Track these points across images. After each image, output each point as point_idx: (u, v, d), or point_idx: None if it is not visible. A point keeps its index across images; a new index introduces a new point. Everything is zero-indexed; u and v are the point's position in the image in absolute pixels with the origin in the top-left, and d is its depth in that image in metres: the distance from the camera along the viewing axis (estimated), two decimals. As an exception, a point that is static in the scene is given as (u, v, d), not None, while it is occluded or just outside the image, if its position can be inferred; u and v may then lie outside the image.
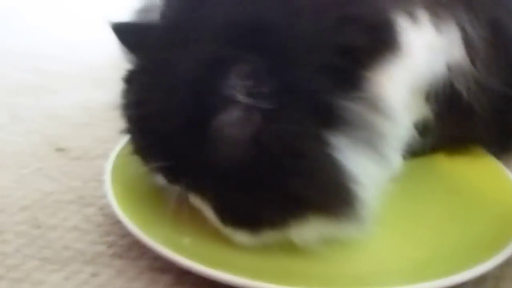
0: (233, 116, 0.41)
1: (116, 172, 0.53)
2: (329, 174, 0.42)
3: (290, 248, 0.46)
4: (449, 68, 0.53)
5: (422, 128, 0.58)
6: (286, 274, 0.44)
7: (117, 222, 0.48)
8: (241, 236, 0.45)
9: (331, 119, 0.43)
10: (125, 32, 0.49)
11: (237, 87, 0.40)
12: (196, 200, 0.46)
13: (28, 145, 0.66)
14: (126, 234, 0.49)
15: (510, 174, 0.56)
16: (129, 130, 0.48)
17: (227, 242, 0.46)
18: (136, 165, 0.49)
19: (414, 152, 0.59)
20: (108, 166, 0.54)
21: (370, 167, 0.46)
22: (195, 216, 0.48)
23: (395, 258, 0.47)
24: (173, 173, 0.45)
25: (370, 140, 0.46)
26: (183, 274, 0.45)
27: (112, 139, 0.61)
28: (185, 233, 0.47)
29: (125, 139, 0.57)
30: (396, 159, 0.56)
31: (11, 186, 0.58)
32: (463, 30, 0.52)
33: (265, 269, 0.44)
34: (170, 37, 0.46)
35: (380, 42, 0.48)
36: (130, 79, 0.48)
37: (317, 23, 0.44)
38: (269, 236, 0.44)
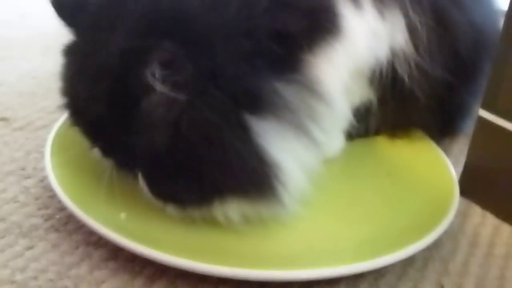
0: (154, 103, 0.42)
1: (57, 144, 0.53)
2: (245, 161, 0.43)
3: (227, 228, 0.46)
4: (393, 53, 0.53)
5: (365, 111, 0.59)
6: (220, 254, 0.44)
7: (55, 195, 0.48)
8: (170, 210, 0.46)
9: (255, 104, 0.43)
10: (63, 6, 0.48)
11: (156, 75, 0.40)
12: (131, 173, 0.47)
13: (-31, 114, 0.64)
14: (63, 207, 0.49)
15: (446, 159, 0.57)
16: (65, 106, 0.48)
17: (162, 218, 0.46)
18: (77, 138, 0.48)
19: (357, 134, 0.60)
20: (50, 138, 0.53)
21: (298, 151, 0.46)
22: (132, 191, 0.47)
23: (329, 238, 0.47)
24: (105, 150, 0.46)
25: (301, 124, 0.46)
26: (117, 249, 0.45)
27: (56, 110, 0.59)
28: (122, 208, 0.47)
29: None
30: (337, 141, 0.57)
31: (-50, 155, 0.57)
32: (406, 17, 0.52)
33: (198, 248, 0.44)
34: (100, 18, 0.45)
35: (319, 26, 0.48)
36: (67, 54, 0.48)
37: (245, 10, 0.44)
38: (195, 212, 0.45)
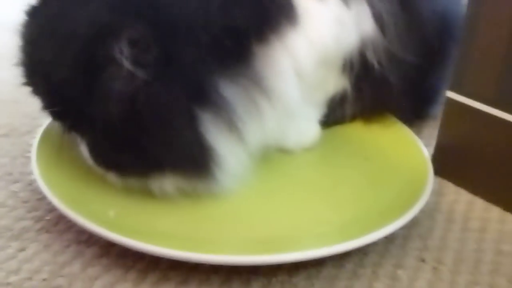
0: (115, 75, 0.42)
1: (43, 148, 0.52)
2: (186, 142, 0.45)
3: (215, 218, 0.47)
4: (362, 41, 0.54)
5: (341, 99, 0.59)
6: (210, 243, 0.43)
7: (44, 198, 0.47)
8: (110, 177, 0.48)
9: (199, 97, 0.44)
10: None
11: (123, 51, 0.41)
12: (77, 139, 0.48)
13: (-47, 123, 0.63)
14: (52, 209, 0.48)
15: (420, 142, 0.58)
16: (23, 65, 0.47)
17: (151, 213, 0.46)
18: (61, 141, 0.49)
19: (334, 121, 0.60)
20: (35, 142, 0.53)
21: (231, 143, 0.47)
22: (119, 189, 0.48)
23: (314, 221, 0.48)
24: (57, 114, 0.48)
25: (237, 121, 0.47)
26: (108, 246, 0.44)
27: (40, 116, 0.59)
28: (110, 206, 0.47)
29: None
30: (310, 131, 0.57)
31: None
32: (372, 6, 0.53)
33: (187, 238, 0.44)
34: None
35: (271, 17, 0.47)
36: (31, 15, 0.47)
37: (204, 3, 0.44)
38: (134, 182, 0.47)
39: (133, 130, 0.43)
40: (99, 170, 0.48)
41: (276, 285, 0.43)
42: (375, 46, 0.54)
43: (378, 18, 0.53)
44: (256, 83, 0.47)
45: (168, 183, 0.47)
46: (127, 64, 0.41)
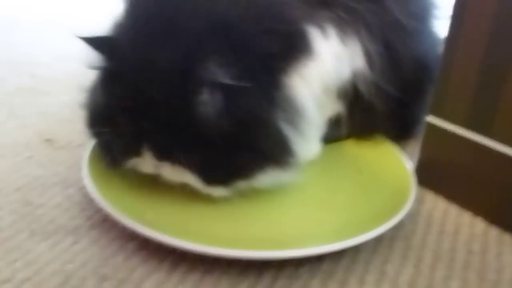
0: (211, 93, 0.42)
1: (92, 158, 0.52)
2: (278, 136, 0.46)
3: (227, 217, 0.47)
4: (354, 73, 0.54)
5: (337, 121, 0.59)
6: (231, 239, 0.44)
7: (93, 200, 0.47)
8: (218, 191, 0.47)
9: (275, 98, 0.45)
10: (97, 41, 0.46)
11: (213, 73, 0.41)
12: (176, 174, 0.46)
13: (21, 137, 0.63)
14: (100, 209, 0.48)
15: (404, 157, 0.57)
16: (118, 124, 0.45)
17: (179, 215, 0.47)
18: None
19: (331, 139, 0.60)
20: (86, 153, 0.53)
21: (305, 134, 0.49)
22: (156, 194, 0.48)
23: (314, 223, 0.48)
24: (165, 149, 0.45)
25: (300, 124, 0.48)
26: (146, 241, 0.44)
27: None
28: (148, 208, 0.47)
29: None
30: (314, 146, 0.57)
31: (7, 171, 0.56)
32: (363, 45, 0.53)
33: (207, 235, 0.44)
34: (142, 39, 0.44)
35: (295, 48, 0.48)
36: (108, 79, 0.46)
37: (248, 31, 0.45)
38: (240, 186, 0.47)
39: (238, 137, 0.43)
40: (207, 189, 0.46)
41: (284, 276, 0.43)
42: (364, 78, 0.54)
43: (368, 56, 0.53)
44: (290, 104, 0.48)
45: (266, 178, 0.46)
46: (219, 83, 0.41)
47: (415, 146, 0.60)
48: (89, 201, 0.50)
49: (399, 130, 0.62)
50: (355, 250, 0.45)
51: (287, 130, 0.47)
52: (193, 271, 0.43)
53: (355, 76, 0.54)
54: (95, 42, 0.45)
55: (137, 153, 0.46)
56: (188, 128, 0.43)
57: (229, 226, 0.46)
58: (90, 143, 0.55)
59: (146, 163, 0.47)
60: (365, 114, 0.57)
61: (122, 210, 0.44)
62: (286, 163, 0.47)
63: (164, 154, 0.45)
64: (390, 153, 0.59)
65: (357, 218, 0.47)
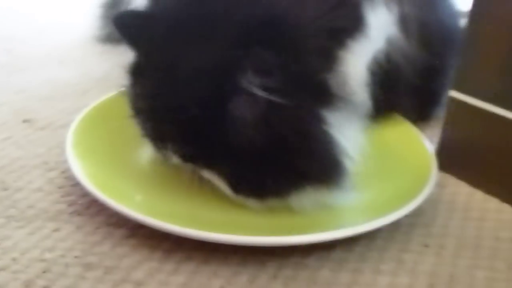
0: (247, 102, 0.40)
1: (76, 139, 0.52)
2: (326, 150, 0.42)
3: (229, 202, 0.46)
4: (388, 41, 0.52)
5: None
6: (232, 225, 0.44)
7: (77, 184, 0.47)
8: (251, 203, 0.45)
9: (326, 97, 0.43)
10: (125, 24, 0.46)
11: (250, 81, 0.40)
12: (208, 174, 0.46)
13: (-2, 117, 0.63)
14: (84, 194, 0.48)
15: (425, 139, 0.57)
16: (144, 120, 0.45)
17: (174, 198, 0.46)
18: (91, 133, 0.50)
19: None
20: (69, 134, 0.53)
21: (356, 138, 0.46)
22: (145, 176, 0.48)
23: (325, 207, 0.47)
24: (191, 155, 0.45)
25: (352, 113, 0.46)
26: (136, 227, 0.44)
27: (73, 111, 0.60)
28: (137, 191, 0.47)
29: (84, 110, 0.57)
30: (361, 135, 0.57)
31: (-19, 153, 0.56)
32: (401, 10, 0.52)
33: (206, 220, 0.44)
34: (175, 31, 0.43)
35: (352, 22, 0.47)
36: (138, 72, 0.46)
37: (316, 10, 0.43)
38: (274, 202, 0.44)
39: (273, 150, 0.41)
40: (238, 199, 0.45)
41: (289, 266, 0.42)
42: (397, 47, 0.53)
43: (404, 21, 0.52)
44: (346, 82, 0.46)
45: (306, 197, 0.44)
46: (255, 90, 0.40)
47: (437, 127, 0.60)
48: (72, 185, 0.50)
49: (420, 110, 0.61)
50: (369, 237, 0.45)
51: (336, 136, 0.43)
52: (188, 260, 0.42)
53: (390, 44, 0.52)
54: (128, 32, 0.45)
55: (163, 151, 0.46)
56: (217, 136, 0.42)
57: (231, 210, 0.46)
58: (73, 124, 0.55)
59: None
60: (386, 92, 0.57)
61: (109, 194, 0.44)
62: (333, 182, 0.44)
63: (187, 158, 0.45)
64: (410, 135, 0.59)
65: (373, 203, 0.47)
